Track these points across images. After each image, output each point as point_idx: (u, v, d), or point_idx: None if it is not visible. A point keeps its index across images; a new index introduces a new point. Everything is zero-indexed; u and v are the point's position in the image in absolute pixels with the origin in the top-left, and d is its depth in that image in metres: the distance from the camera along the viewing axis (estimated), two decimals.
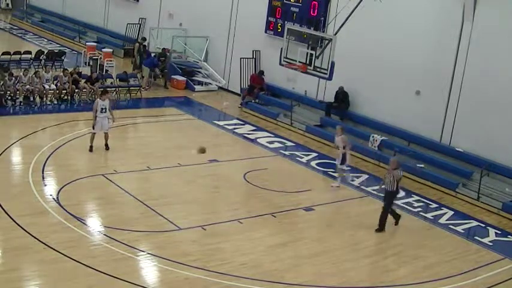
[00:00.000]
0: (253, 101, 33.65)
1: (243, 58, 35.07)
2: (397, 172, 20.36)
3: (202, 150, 22.93)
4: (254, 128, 30.48)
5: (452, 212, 23.12)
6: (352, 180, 24.43)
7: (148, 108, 32.90)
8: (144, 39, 39.77)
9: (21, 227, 17.98)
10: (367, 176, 25.54)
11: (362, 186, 24.37)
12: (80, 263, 16.39)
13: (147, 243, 17.96)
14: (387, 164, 26.03)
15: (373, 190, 23.78)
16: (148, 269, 16.80)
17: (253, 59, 35.20)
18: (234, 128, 30.07)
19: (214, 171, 24.36)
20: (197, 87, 36.39)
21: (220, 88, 36.83)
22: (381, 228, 20.40)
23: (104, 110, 24.32)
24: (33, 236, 17.56)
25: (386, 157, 26.57)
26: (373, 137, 27.99)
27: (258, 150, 27.46)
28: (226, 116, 32.00)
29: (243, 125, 30.79)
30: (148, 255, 17.25)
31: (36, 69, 33.16)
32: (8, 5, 61.23)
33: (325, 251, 18.80)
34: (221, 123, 30.55)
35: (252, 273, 16.87)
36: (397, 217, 20.98)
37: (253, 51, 35.18)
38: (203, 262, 17.08)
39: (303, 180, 24.27)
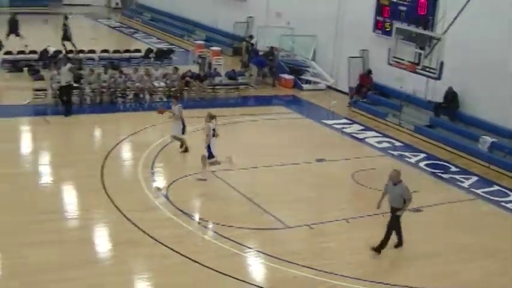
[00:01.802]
0: (361, 100, 33.32)
1: (351, 57, 34.76)
2: (400, 188, 17.73)
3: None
4: (362, 127, 30.14)
5: None
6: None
7: (256, 106, 33.03)
8: (252, 37, 39.91)
9: (132, 222, 18.37)
10: (476, 178, 24.87)
11: (471, 188, 23.75)
12: (188, 258, 16.61)
13: (254, 240, 18.01)
14: (498, 167, 25.51)
15: (483, 192, 23.22)
16: (256, 266, 16.85)
17: (361, 58, 34.85)
18: (343, 128, 29.79)
19: (322, 170, 24.18)
20: (305, 86, 36.31)
21: (328, 87, 36.61)
22: (380, 247, 17.90)
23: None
24: (142, 230, 17.88)
25: (497, 159, 25.92)
26: (483, 138, 27.28)
27: (366, 150, 27.16)
28: (335, 115, 31.75)
29: (351, 124, 30.49)
30: (256, 252, 17.30)
31: (146, 67, 33.68)
32: (117, 4, 62.60)
33: (433, 253, 18.37)
34: (329, 122, 30.31)
35: (358, 273, 16.71)
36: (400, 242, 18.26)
37: (361, 50, 34.83)
38: (310, 261, 16.99)
39: (411, 181, 23.74)
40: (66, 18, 39.49)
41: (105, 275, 15.81)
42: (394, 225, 17.78)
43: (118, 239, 17.60)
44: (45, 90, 29.44)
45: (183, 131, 24.10)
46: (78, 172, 22.01)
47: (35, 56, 35.61)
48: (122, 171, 22.67)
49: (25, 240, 17.09)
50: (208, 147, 21.80)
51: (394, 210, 17.70)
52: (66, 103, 28.06)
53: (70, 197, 20.61)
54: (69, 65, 28.77)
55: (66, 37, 38.51)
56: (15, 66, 35.06)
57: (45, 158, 23.91)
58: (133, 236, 17.65)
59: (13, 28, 38.63)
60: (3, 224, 17.92)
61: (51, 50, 36.41)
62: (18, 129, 26.79)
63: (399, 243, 18.10)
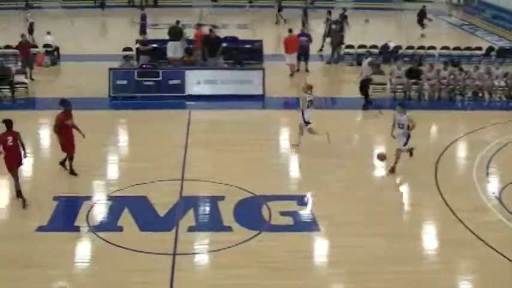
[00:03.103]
0: None
1: None
2: None
3: (382, 158, 21.74)
4: None
5: None
6: None
7: None
8: None
9: (460, 221, 18.27)
10: None
11: None
12: None
13: None
14: None
15: None
16: None
17: None
18: None
19: None
20: None
21: None
22: None
23: (401, 126, 21.51)
24: (471, 230, 17.72)
25: None
26: None
27: None
28: None
29: None
30: None
31: (487, 66, 33.09)
32: (459, 1, 62.02)
33: None
34: None
35: None
36: None
37: None
38: None
39: None
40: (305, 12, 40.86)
41: (428, 273, 15.91)
42: None
43: (444, 237, 17.61)
44: (384, 84, 30.11)
45: (406, 143, 21.67)
46: (411, 167, 22.18)
47: (376, 51, 36.53)
48: (456, 170, 22.60)
49: (358, 230, 17.71)
50: (302, 115, 22.96)
51: None
52: (366, 97, 28.73)
53: (402, 191, 21.12)
54: (369, 59, 29.62)
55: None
56: (356, 60, 36.23)
57: (374, 150, 23.74)
58: (460, 236, 17.56)
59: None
60: (339, 213, 18.73)
61: (391, 45, 37.19)
62: (352, 120, 27.78)
63: None
